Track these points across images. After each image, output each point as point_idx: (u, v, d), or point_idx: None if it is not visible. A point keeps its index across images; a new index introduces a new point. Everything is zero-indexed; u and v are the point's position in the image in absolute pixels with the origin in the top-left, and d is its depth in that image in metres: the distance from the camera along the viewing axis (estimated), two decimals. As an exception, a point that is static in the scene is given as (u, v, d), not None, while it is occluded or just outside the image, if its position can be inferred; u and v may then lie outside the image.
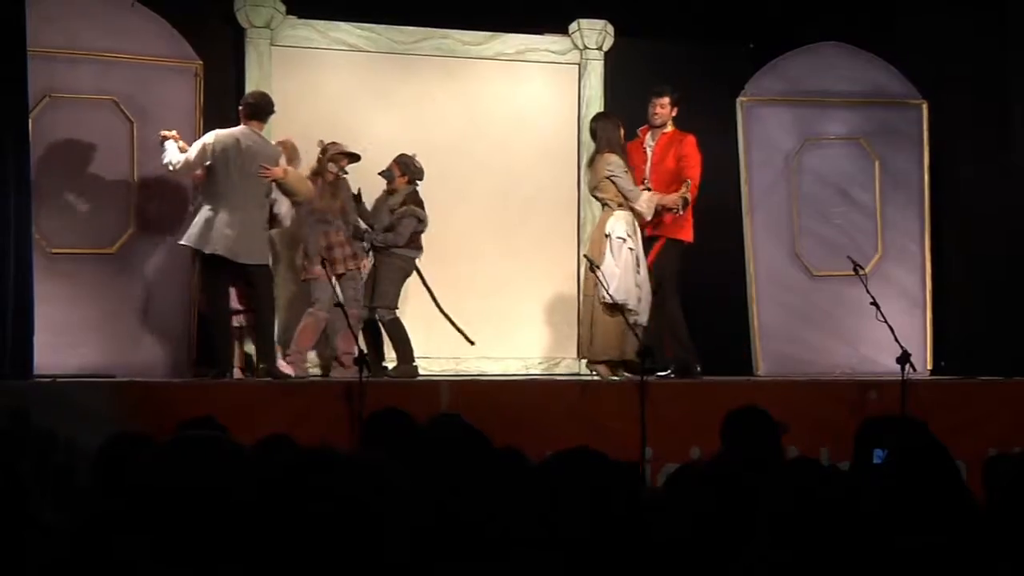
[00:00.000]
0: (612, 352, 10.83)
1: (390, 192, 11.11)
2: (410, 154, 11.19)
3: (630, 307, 10.73)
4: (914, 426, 6.33)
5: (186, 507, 2.63)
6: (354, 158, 11.01)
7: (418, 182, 11.17)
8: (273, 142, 10.82)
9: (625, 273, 10.81)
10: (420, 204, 11.06)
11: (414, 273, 11.20)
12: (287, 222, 10.97)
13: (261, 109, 10.49)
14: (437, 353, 11.49)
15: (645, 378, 9.36)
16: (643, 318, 10.86)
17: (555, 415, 9.50)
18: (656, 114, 11.21)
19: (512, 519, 3.55)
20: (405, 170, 11.08)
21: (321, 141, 11.00)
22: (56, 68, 10.70)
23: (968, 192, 12.69)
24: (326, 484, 2.47)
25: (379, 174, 11.09)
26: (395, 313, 10.90)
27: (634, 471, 3.64)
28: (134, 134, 10.99)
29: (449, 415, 5.55)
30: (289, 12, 12.12)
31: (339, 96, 12.25)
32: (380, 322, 10.92)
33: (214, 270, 10.37)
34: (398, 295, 10.97)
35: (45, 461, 8.36)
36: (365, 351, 9.74)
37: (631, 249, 10.88)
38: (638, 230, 10.98)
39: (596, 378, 10.86)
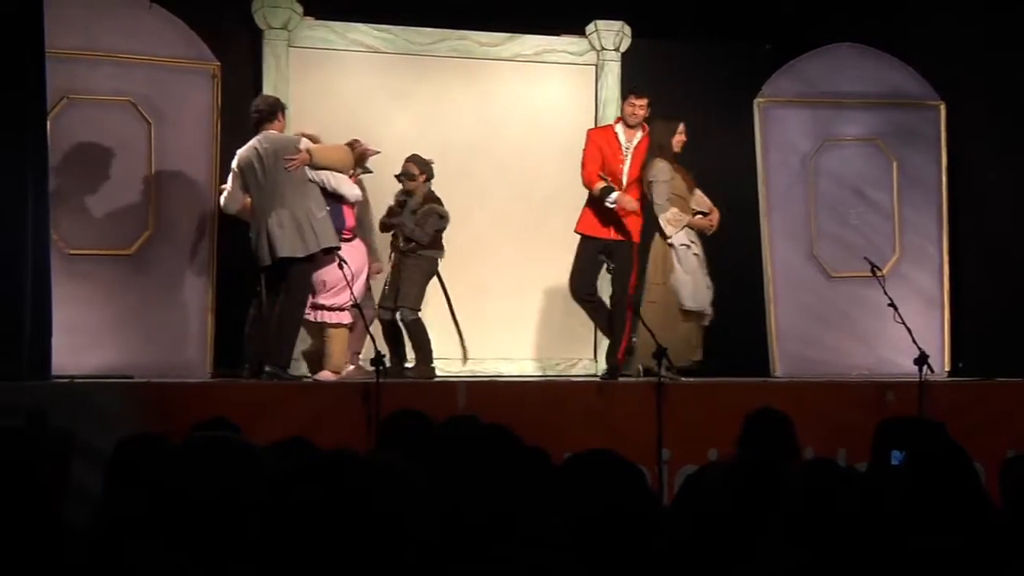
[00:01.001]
0: (682, 356, 10.97)
1: (407, 193, 11.06)
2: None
3: (707, 312, 11.02)
4: (932, 427, 6.33)
5: (200, 509, 2.63)
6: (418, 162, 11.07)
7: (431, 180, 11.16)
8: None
9: (695, 278, 11.01)
10: (439, 201, 11.05)
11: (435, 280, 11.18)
12: (352, 195, 10.52)
13: (269, 111, 10.40)
14: (455, 354, 11.48)
15: (661, 379, 9.34)
16: (708, 318, 11.11)
17: (572, 416, 9.48)
18: (634, 114, 10.99)
19: (528, 520, 3.55)
20: (423, 168, 11.05)
21: (356, 140, 10.94)
22: (74, 69, 10.72)
23: (985, 193, 12.65)
24: (343, 485, 2.46)
25: (397, 176, 11.04)
26: (417, 314, 10.88)
27: (641, 476, 3.62)
28: (152, 135, 11.01)
29: (466, 417, 5.56)
30: (306, 13, 12.13)
31: (356, 97, 12.27)
32: (402, 322, 10.90)
33: (273, 275, 10.30)
34: (422, 296, 10.94)
35: (62, 462, 8.37)
36: (382, 352, 9.75)
37: (696, 254, 11.05)
38: (694, 230, 11.09)
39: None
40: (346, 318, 10.51)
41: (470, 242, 12.10)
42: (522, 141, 12.74)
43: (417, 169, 11.02)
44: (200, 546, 2.61)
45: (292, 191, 10.14)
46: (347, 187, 10.39)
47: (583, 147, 10.90)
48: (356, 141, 10.85)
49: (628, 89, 11.29)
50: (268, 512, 2.47)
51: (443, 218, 10.97)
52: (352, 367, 10.74)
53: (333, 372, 10.46)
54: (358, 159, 10.74)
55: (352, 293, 10.08)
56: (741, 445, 6.08)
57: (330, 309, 10.51)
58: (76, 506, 7.44)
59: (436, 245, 10.99)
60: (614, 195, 10.67)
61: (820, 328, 12.36)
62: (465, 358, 11.31)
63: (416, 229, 10.82)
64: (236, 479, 2.65)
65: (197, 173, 11.18)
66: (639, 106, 10.90)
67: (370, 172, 11.01)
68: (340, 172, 10.39)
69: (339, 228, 10.33)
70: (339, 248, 10.20)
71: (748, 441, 6.08)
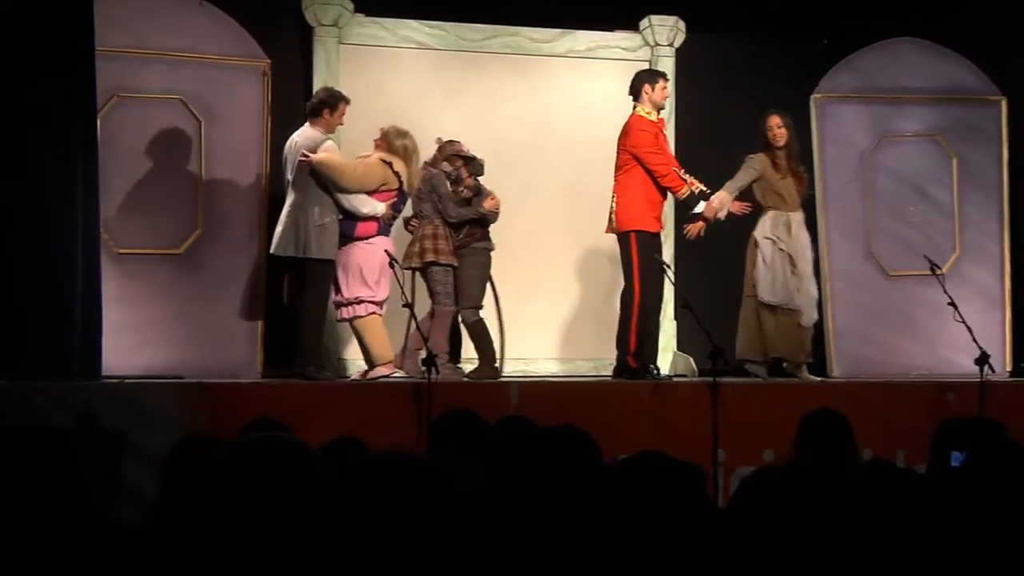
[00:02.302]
0: (770, 351, 11.18)
1: (455, 183, 11.06)
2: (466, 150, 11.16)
3: (790, 307, 11.08)
4: (993, 428, 6.28)
5: (256, 509, 2.65)
6: (471, 163, 11.04)
7: (479, 177, 11.17)
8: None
9: (776, 273, 11.09)
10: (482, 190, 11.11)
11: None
12: (367, 212, 10.40)
13: (315, 106, 10.52)
14: (507, 354, 11.49)
15: (717, 379, 9.33)
16: (807, 317, 11.15)
17: (626, 417, 9.49)
18: (667, 98, 11.16)
19: (583, 522, 3.55)
20: (471, 168, 11.06)
21: (439, 139, 10.99)
22: (124, 68, 10.79)
23: (1048, 189, 12.59)
24: (401, 485, 2.48)
25: (448, 175, 11.02)
26: (479, 314, 10.90)
27: (701, 476, 3.62)
28: (202, 133, 11.07)
29: (519, 418, 5.58)
30: (357, 10, 12.17)
31: (408, 94, 12.29)
32: (464, 324, 10.92)
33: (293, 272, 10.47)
34: (483, 294, 10.96)
35: (113, 463, 8.44)
36: (441, 352, 9.81)
37: (781, 249, 11.12)
38: (793, 228, 11.14)
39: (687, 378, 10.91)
40: (362, 310, 10.47)
41: (520, 239, 12.11)
42: (574, 138, 12.74)
43: (467, 172, 11.03)
44: (255, 547, 2.63)
45: (301, 190, 10.32)
46: (367, 207, 10.41)
47: (636, 138, 10.78)
48: (451, 143, 10.94)
49: (659, 73, 11.22)
50: (326, 513, 2.48)
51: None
52: (400, 365, 10.71)
53: (381, 367, 10.45)
54: (445, 159, 10.84)
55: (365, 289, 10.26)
56: (798, 447, 6.07)
57: (346, 304, 10.54)
58: (127, 507, 7.52)
59: (487, 237, 11.01)
60: (702, 206, 10.75)
61: (878, 328, 12.31)
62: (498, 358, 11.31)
63: (464, 210, 10.88)
64: (294, 479, 2.66)
65: (247, 171, 11.23)
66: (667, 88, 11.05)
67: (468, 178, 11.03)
68: (346, 188, 10.34)
69: (346, 234, 10.36)
70: (331, 259, 10.35)
71: (805, 442, 6.06)
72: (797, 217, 11.22)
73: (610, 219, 10.88)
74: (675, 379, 11.44)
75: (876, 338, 12.26)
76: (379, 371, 10.40)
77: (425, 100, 12.32)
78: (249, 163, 11.24)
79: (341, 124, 10.62)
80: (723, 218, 11.04)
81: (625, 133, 10.83)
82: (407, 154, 10.59)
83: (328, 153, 10.28)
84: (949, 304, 10.16)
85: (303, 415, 8.32)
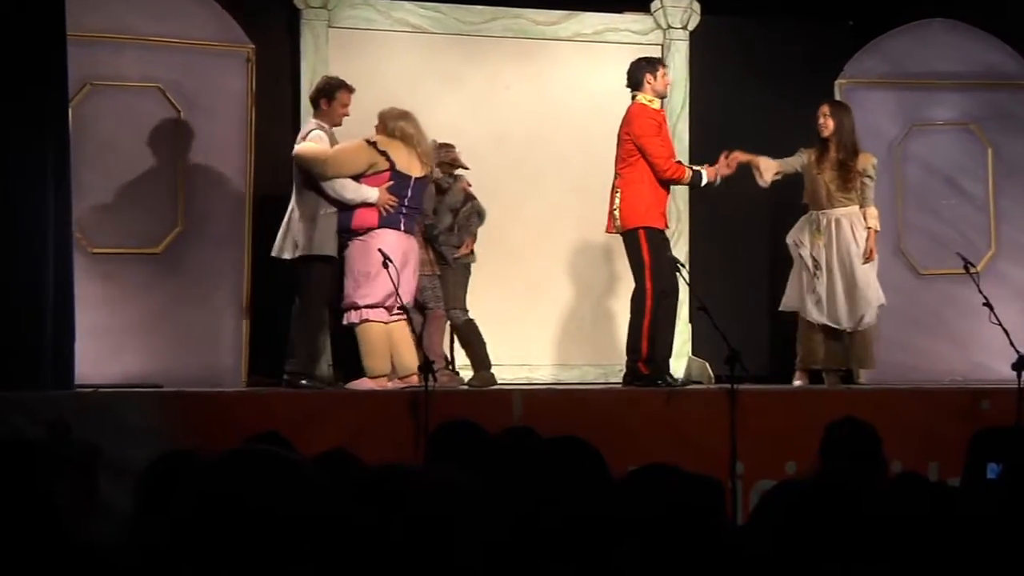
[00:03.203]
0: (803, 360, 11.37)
1: (442, 191, 11.05)
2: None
3: (802, 315, 11.30)
4: (1031, 438, 6.29)
5: (240, 527, 2.65)
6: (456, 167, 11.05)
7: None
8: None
9: (792, 279, 11.37)
10: (473, 196, 11.09)
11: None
12: (354, 198, 10.18)
13: (315, 96, 10.49)
14: (508, 360, 11.49)
15: (736, 386, 9.33)
16: (816, 318, 11.27)
17: (638, 426, 9.49)
18: (668, 85, 11.21)
19: (588, 541, 3.56)
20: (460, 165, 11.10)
21: (434, 140, 10.94)
22: (98, 54, 10.80)
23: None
24: (396, 501, 2.49)
25: (436, 182, 10.98)
26: (468, 314, 10.91)
27: (718, 490, 3.63)
28: (181, 124, 11.08)
29: (522, 429, 5.58)
30: (348, -9, 12.18)
31: (402, 81, 12.27)
32: (453, 325, 10.94)
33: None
34: (465, 295, 10.99)
35: (87, 478, 8.44)
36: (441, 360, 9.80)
37: (801, 255, 11.29)
38: (824, 226, 11.23)
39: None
40: (355, 317, 10.22)
41: (524, 237, 12.12)
42: (581, 128, 12.72)
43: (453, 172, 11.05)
44: (242, 567, 2.63)
45: (296, 188, 10.29)
46: (350, 192, 10.18)
47: (640, 126, 10.78)
48: (445, 147, 10.88)
49: (658, 60, 11.19)
50: (315, 532, 2.49)
51: (481, 217, 11.02)
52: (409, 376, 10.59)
53: (369, 380, 10.30)
54: (448, 166, 10.81)
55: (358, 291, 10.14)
56: (822, 458, 6.07)
57: (343, 311, 10.43)
58: (102, 524, 7.52)
59: (470, 252, 11.07)
60: (705, 175, 10.76)
61: (908, 330, 12.30)
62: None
63: (453, 237, 10.87)
64: (281, 493, 2.67)
65: (230, 164, 11.24)
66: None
67: (453, 180, 10.99)
68: (326, 175, 10.17)
69: (344, 228, 10.24)
70: (331, 256, 10.22)
71: (830, 454, 6.07)
72: (834, 215, 11.17)
73: (612, 217, 10.82)
74: (690, 386, 11.43)
75: (906, 342, 12.26)
76: (364, 384, 10.20)
77: (420, 88, 12.30)
78: (232, 156, 11.25)
79: (346, 114, 10.38)
80: (765, 180, 11.12)
81: (627, 122, 10.81)
82: (404, 135, 10.36)
83: (305, 143, 10.21)
84: (984, 305, 10.15)
85: (292, 426, 8.31)
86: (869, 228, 11.14)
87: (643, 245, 10.63)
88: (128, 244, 10.89)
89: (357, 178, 10.15)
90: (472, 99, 12.51)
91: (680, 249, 12.15)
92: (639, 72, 10.89)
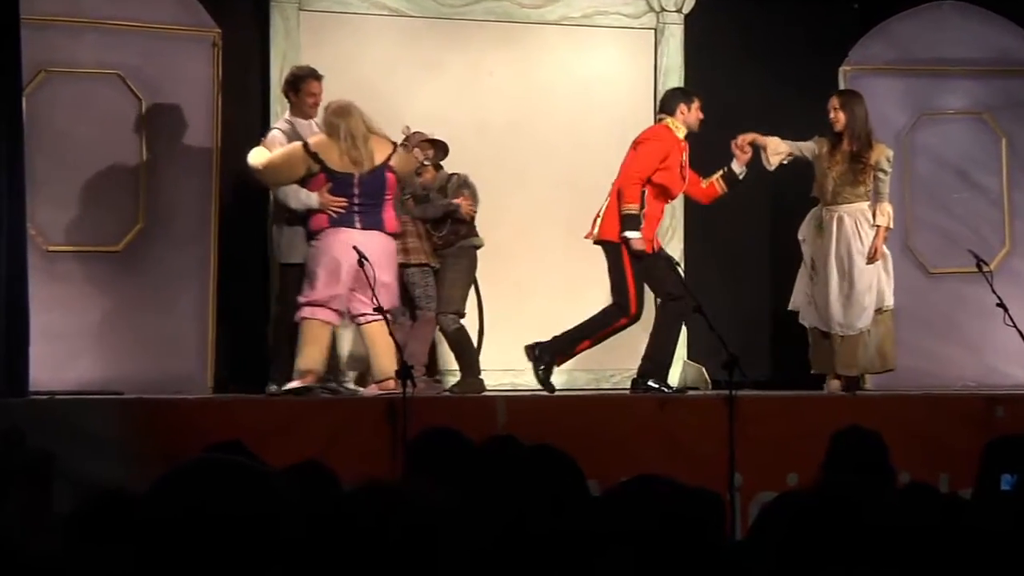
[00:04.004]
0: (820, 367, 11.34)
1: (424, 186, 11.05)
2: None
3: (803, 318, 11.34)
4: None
5: (202, 547, 2.62)
6: (440, 146, 11.02)
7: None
8: None
9: (801, 277, 11.38)
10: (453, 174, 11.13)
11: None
12: (298, 205, 10.29)
13: (284, 87, 10.64)
14: (492, 364, 11.49)
15: (734, 392, 9.33)
16: (810, 321, 11.29)
17: (630, 435, 9.50)
18: (700, 120, 11.19)
19: (577, 555, 3.55)
20: (442, 153, 11.07)
21: (407, 127, 10.94)
22: (53, 38, 10.77)
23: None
24: (373, 524, 2.48)
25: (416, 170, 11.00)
26: (460, 322, 10.91)
27: (716, 503, 3.62)
28: (143, 113, 11.06)
29: (506, 437, 5.57)
30: (320, -28, 12.17)
31: (378, 68, 12.26)
32: (443, 330, 10.95)
33: None
34: (465, 298, 10.99)
35: (41, 490, 8.42)
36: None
37: (804, 251, 11.32)
38: (825, 222, 11.22)
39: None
40: (297, 314, 10.33)
41: (509, 234, 12.11)
42: (569, 117, 12.73)
43: (438, 155, 11.03)
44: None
45: (272, 192, 10.38)
46: (292, 200, 10.30)
47: (648, 144, 10.82)
48: (417, 133, 10.86)
49: (695, 93, 11.22)
50: (288, 552, 2.48)
51: (470, 188, 11.02)
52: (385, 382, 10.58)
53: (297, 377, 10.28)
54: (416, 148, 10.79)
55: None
56: (826, 469, 6.08)
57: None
58: (56, 539, 7.50)
59: (473, 232, 11.03)
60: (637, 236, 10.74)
61: (917, 333, 12.30)
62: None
63: (428, 207, 10.88)
64: (248, 509, 2.65)
65: (195, 157, 11.22)
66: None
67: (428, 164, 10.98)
68: (269, 183, 10.39)
69: (308, 233, 10.28)
70: (298, 263, 10.34)
71: (834, 465, 6.07)
72: (838, 211, 11.15)
73: (594, 222, 10.89)
74: (686, 392, 11.42)
75: (915, 345, 12.25)
76: (292, 384, 10.21)
77: (398, 75, 12.30)
78: (198, 147, 11.23)
79: (315, 104, 10.45)
80: (771, 163, 11.21)
81: (643, 135, 10.91)
82: (333, 131, 10.28)
83: (255, 149, 10.28)
84: (998, 306, 10.17)
85: (261, 435, 8.31)
86: (878, 226, 11.07)
87: (624, 257, 10.69)
88: (86, 242, 10.87)
89: (304, 182, 10.19)
90: (453, 87, 12.49)
91: (674, 247, 12.17)
92: (674, 100, 11.04)
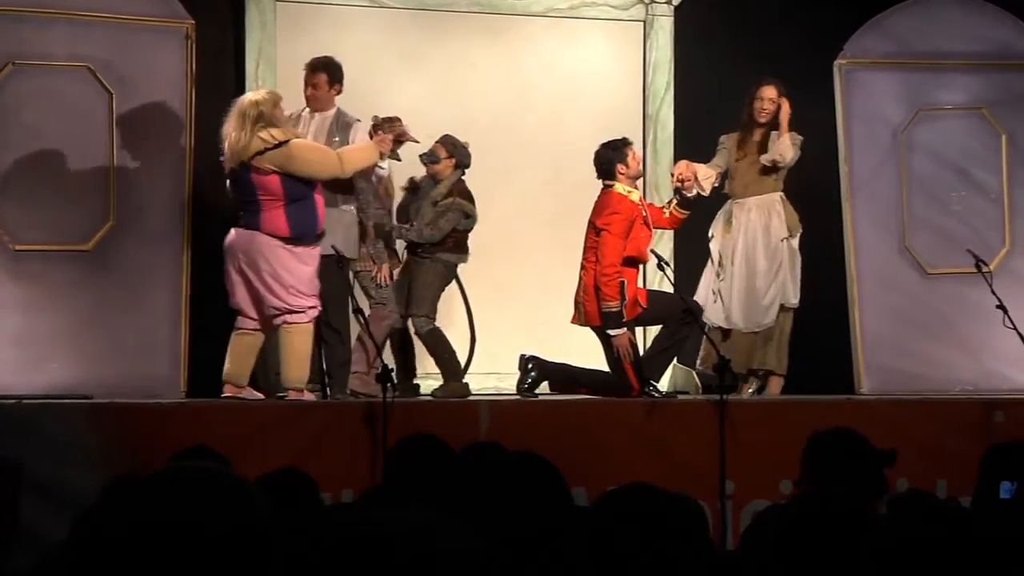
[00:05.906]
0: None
1: (432, 178, 11.03)
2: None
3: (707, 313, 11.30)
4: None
5: (173, 561, 2.61)
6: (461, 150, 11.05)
7: (465, 170, 11.10)
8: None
9: (704, 276, 11.48)
10: (469, 197, 10.99)
11: (454, 281, 11.18)
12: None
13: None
14: (474, 368, 11.49)
15: (725, 396, 9.35)
16: (713, 319, 11.35)
17: (617, 442, 9.52)
18: (640, 163, 11.34)
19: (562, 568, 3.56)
20: (453, 152, 11.02)
21: (376, 116, 10.92)
22: (21, 30, 10.76)
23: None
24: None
25: (420, 157, 11.01)
26: (434, 323, 10.89)
27: (698, 512, 3.62)
28: (113, 107, 11.04)
29: (490, 444, 5.58)
30: (297, -40, 12.17)
31: (357, 61, 12.22)
32: (417, 334, 10.93)
33: None
34: (436, 304, 10.97)
35: (8, 499, 8.41)
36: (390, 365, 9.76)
37: (712, 247, 11.42)
38: (735, 220, 11.39)
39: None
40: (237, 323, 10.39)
41: (492, 233, 12.09)
42: (554, 112, 12.74)
43: (445, 153, 10.98)
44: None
45: None
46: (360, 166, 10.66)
47: (608, 219, 10.83)
48: (388, 120, 10.85)
49: (623, 142, 11.10)
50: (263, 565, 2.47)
51: (469, 217, 10.96)
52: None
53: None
54: (394, 141, 10.77)
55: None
56: (806, 475, 6.07)
57: None
58: (24, 552, 7.50)
59: (459, 248, 10.99)
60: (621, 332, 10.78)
61: (914, 335, 12.32)
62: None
63: (426, 228, 10.82)
64: (222, 519, 2.64)
65: (167, 152, 11.20)
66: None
67: (398, 160, 10.97)
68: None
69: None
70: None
71: (814, 470, 6.07)
72: (747, 203, 11.27)
73: (577, 308, 10.93)
74: (675, 397, 11.43)
75: (911, 347, 12.27)
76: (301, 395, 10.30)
77: (378, 68, 12.30)
78: (170, 142, 11.21)
79: (307, 96, 10.86)
80: (704, 189, 11.16)
81: (598, 210, 10.87)
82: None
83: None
84: (998, 307, 10.20)
85: (236, 441, 8.32)
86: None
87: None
88: (54, 240, 10.85)
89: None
90: (435, 80, 12.51)
91: (664, 246, 12.16)
92: (607, 163, 10.90)
